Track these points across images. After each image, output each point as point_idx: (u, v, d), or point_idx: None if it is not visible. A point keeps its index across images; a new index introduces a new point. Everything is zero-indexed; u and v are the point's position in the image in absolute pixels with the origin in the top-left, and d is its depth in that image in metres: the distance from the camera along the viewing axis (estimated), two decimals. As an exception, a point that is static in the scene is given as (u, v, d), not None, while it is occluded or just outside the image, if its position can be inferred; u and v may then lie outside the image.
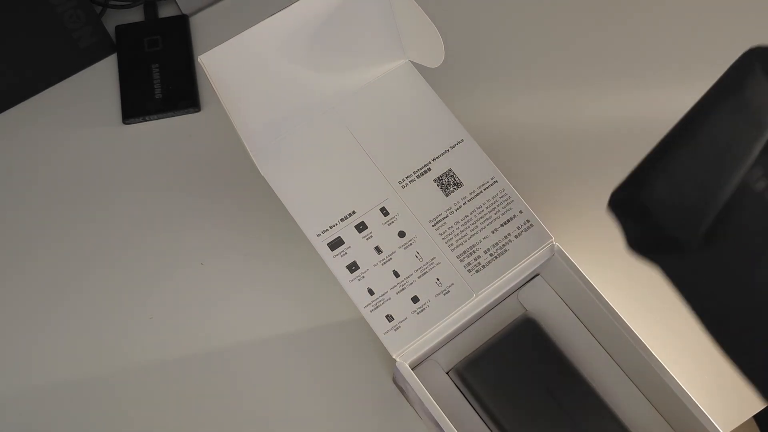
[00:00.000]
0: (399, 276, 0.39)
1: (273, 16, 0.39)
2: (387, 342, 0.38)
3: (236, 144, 0.41)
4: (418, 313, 0.38)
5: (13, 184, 0.51)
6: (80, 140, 0.52)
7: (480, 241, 0.40)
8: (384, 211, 0.40)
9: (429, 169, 0.41)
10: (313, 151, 0.42)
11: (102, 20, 0.54)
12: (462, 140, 0.42)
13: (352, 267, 0.39)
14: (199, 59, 0.38)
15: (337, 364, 0.45)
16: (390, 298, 0.38)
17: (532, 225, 0.40)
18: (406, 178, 0.41)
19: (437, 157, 0.42)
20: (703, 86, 0.53)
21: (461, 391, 0.42)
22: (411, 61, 0.44)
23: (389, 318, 0.38)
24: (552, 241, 0.40)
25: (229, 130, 0.39)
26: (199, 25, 0.56)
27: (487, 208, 0.41)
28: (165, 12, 0.57)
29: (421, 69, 0.44)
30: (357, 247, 0.39)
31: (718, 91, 0.31)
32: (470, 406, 0.41)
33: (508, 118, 0.52)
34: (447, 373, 0.42)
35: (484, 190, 0.41)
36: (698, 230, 0.30)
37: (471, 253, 0.40)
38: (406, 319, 0.38)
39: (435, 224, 0.40)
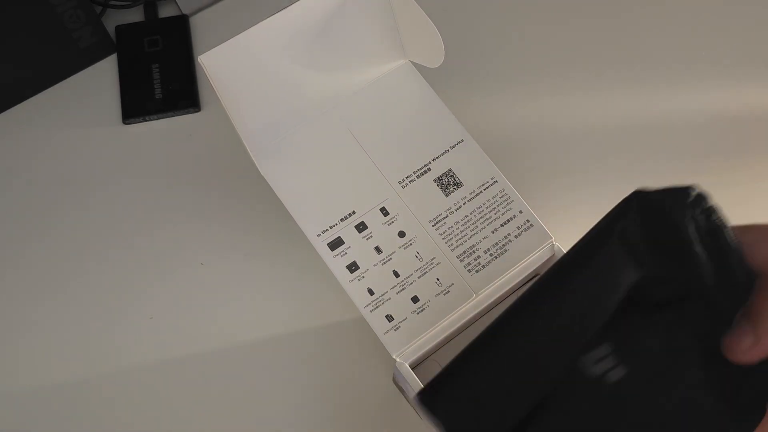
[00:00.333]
0: (399, 276, 0.39)
1: (273, 16, 0.39)
2: (387, 342, 0.38)
3: (236, 144, 0.41)
4: (418, 313, 0.38)
5: (13, 184, 0.51)
6: (80, 140, 0.52)
7: (480, 241, 0.40)
8: (384, 211, 0.40)
9: (429, 169, 0.41)
10: (313, 151, 0.42)
11: (102, 20, 0.54)
12: (462, 140, 0.42)
13: (352, 267, 0.39)
14: (199, 59, 0.38)
15: (337, 364, 0.45)
16: (390, 298, 0.38)
17: (532, 225, 0.40)
18: (406, 178, 0.41)
19: (437, 157, 0.42)
20: (704, 87, 0.53)
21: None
22: (411, 61, 0.44)
23: (389, 318, 0.38)
24: (552, 241, 0.40)
25: (229, 130, 0.39)
26: (199, 25, 0.56)
27: (487, 208, 0.41)
28: (165, 12, 0.57)
29: (421, 69, 0.44)
30: (357, 247, 0.39)
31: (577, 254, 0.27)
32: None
33: (508, 117, 0.52)
34: (447, 373, 0.42)
35: (484, 190, 0.41)
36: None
37: (471, 253, 0.40)
38: (406, 319, 0.38)
39: (435, 224, 0.40)
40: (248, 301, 0.46)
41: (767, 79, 0.54)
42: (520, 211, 0.40)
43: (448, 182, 0.41)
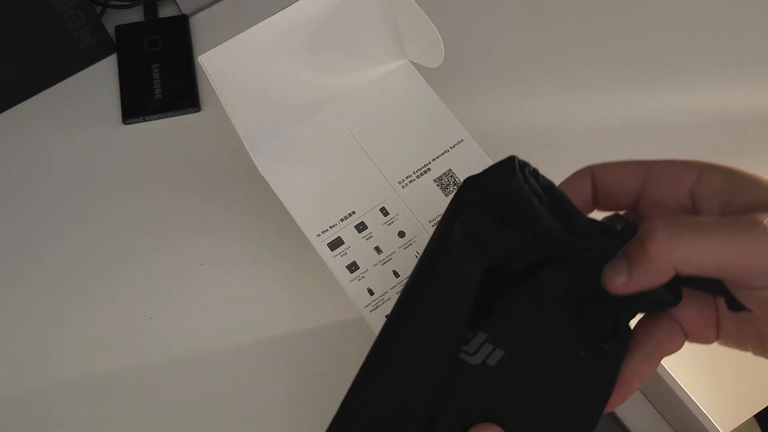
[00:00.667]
0: (399, 276, 0.39)
1: (273, 16, 0.39)
2: (387, 342, 0.38)
3: (236, 144, 0.40)
4: (418, 313, 0.38)
5: (13, 184, 0.51)
6: (80, 140, 0.52)
7: (480, 241, 0.40)
8: (384, 211, 0.40)
9: (429, 169, 0.41)
10: (313, 151, 0.42)
11: (102, 20, 0.54)
12: (462, 140, 0.42)
13: (352, 267, 0.39)
14: (199, 59, 0.38)
15: (337, 365, 0.45)
16: (390, 298, 0.38)
17: (532, 225, 0.40)
18: (406, 178, 0.41)
19: (437, 157, 0.42)
20: (705, 87, 0.53)
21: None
22: (411, 61, 0.44)
23: (389, 318, 0.38)
24: (552, 241, 0.40)
25: (229, 130, 0.39)
26: (199, 25, 0.56)
27: (487, 208, 0.41)
28: (165, 12, 0.57)
29: (421, 69, 0.44)
30: (357, 247, 0.39)
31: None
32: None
33: (509, 117, 0.52)
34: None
35: (484, 190, 0.41)
36: None
37: (471, 253, 0.40)
38: (406, 319, 0.38)
39: (435, 224, 0.40)
40: (248, 301, 0.46)
41: (767, 79, 0.54)
42: (520, 211, 0.40)
43: (448, 182, 0.41)
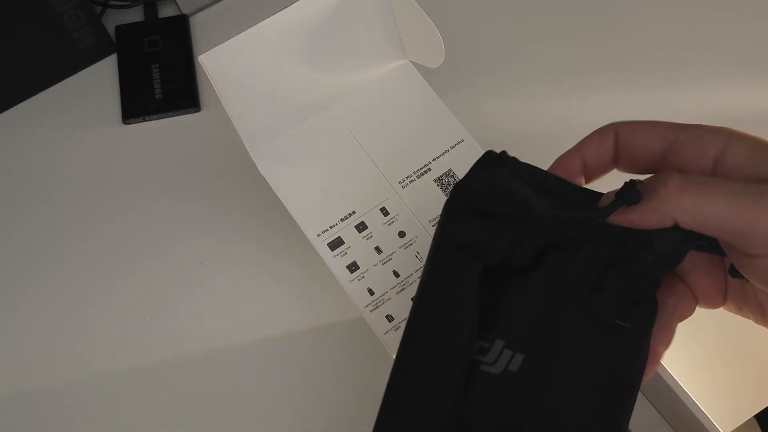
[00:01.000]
0: (399, 276, 0.39)
1: (273, 16, 0.39)
2: (387, 342, 0.38)
3: (236, 144, 0.40)
4: (418, 313, 0.38)
5: (13, 184, 0.51)
6: (80, 140, 0.52)
7: (480, 241, 0.40)
8: (384, 211, 0.40)
9: (429, 169, 0.41)
10: (313, 151, 0.42)
11: (102, 20, 0.54)
12: (462, 140, 0.42)
13: (352, 267, 0.39)
14: (199, 59, 0.37)
15: (337, 365, 0.45)
16: (390, 298, 0.38)
17: (532, 225, 0.40)
18: (406, 178, 0.41)
19: (437, 157, 0.42)
20: (704, 87, 0.53)
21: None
22: (411, 61, 0.44)
23: (389, 318, 0.38)
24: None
25: (229, 130, 0.39)
26: (199, 25, 0.56)
27: (487, 208, 0.41)
28: (165, 12, 0.57)
29: (421, 69, 0.44)
30: (357, 247, 0.39)
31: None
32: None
33: (509, 118, 0.52)
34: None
35: (484, 190, 0.41)
36: None
37: (471, 253, 0.40)
38: (406, 319, 0.38)
39: (435, 224, 0.40)
40: (248, 301, 0.46)
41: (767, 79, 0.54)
42: (520, 211, 0.40)
43: (448, 182, 0.41)
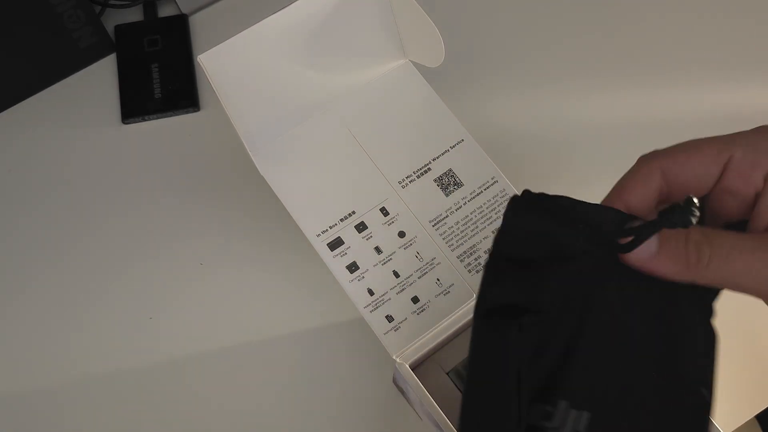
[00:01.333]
0: (399, 276, 0.39)
1: (273, 16, 0.39)
2: (387, 342, 0.38)
3: (236, 144, 0.40)
4: (418, 314, 0.38)
5: (13, 183, 0.50)
6: (80, 140, 0.52)
7: (480, 241, 0.40)
8: (384, 211, 0.40)
9: (429, 169, 0.41)
10: (313, 151, 0.41)
11: (101, 20, 0.54)
12: (462, 140, 0.42)
13: (352, 267, 0.39)
14: (198, 59, 0.37)
15: (337, 365, 0.45)
16: (390, 299, 0.38)
17: (532, 225, 0.40)
18: (406, 178, 0.41)
19: (437, 157, 0.42)
20: (705, 87, 0.53)
21: (461, 391, 0.41)
22: (411, 61, 0.44)
23: (389, 318, 0.38)
24: (552, 241, 0.40)
25: (229, 130, 0.39)
26: (198, 25, 0.56)
27: (487, 208, 0.41)
28: (165, 12, 0.57)
29: (421, 69, 0.44)
30: (357, 247, 0.39)
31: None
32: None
33: (509, 117, 0.52)
34: (447, 374, 0.42)
35: (485, 189, 0.41)
36: None
37: (471, 253, 0.39)
38: (406, 319, 0.38)
39: (435, 224, 0.40)
40: (248, 301, 0.46)
41: (768, 78, 0.54)
42: (521, 211, 0.40)
43: (448, 182, 0.41)
